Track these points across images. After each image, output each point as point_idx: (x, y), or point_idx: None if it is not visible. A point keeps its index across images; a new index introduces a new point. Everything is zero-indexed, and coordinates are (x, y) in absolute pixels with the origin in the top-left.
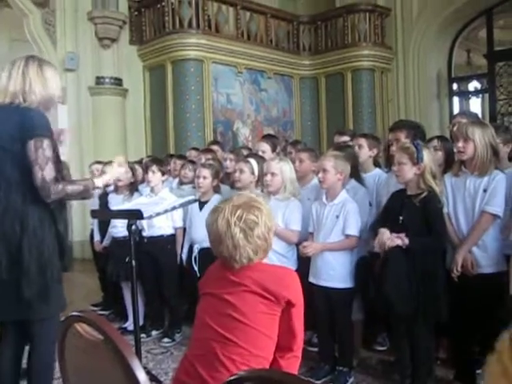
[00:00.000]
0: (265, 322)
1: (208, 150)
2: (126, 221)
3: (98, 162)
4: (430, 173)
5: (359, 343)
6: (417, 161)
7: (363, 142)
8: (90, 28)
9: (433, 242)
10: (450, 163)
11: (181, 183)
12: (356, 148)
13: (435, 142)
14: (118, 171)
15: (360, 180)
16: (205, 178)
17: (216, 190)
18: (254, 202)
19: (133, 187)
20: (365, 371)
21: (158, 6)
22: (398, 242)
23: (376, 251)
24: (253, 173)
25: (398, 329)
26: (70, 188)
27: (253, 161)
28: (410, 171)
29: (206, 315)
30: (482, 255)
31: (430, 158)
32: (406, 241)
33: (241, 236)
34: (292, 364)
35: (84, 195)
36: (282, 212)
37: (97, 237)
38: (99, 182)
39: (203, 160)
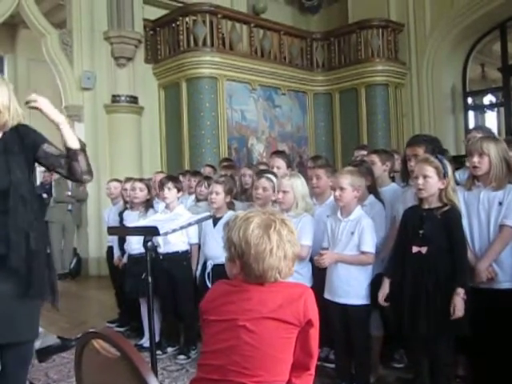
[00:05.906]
0: (283, 347)
1: (229, 167)
2: (141, 238)
3: (116, 180)
4: (452, 187)
5: (377, 360)
6: (443, 175)
7: (375, 157)
8: (106, 47)
9: (460, 253)
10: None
11: (197, 200)
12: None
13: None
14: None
15: (378, 195)
16: (217, 193)
17: (229, 206)
18: (283, 216)
19: (148, 204)
20: None
21: (173, 25)
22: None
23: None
24: (274, 190)
25: (416, 346)
26: None
27: (274, 179)
28: (435, 185)
29: (219, 342)
30: (498, 271)
31: (452, 172)
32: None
33: (290, 249)
34: (307, 382)
35: None
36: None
37: (117, 252)
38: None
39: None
